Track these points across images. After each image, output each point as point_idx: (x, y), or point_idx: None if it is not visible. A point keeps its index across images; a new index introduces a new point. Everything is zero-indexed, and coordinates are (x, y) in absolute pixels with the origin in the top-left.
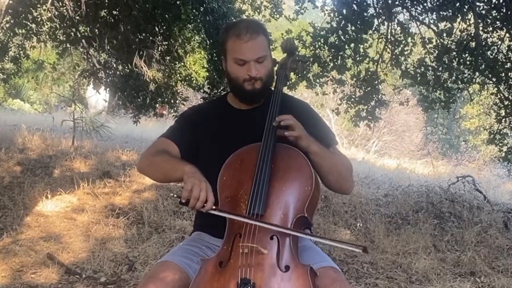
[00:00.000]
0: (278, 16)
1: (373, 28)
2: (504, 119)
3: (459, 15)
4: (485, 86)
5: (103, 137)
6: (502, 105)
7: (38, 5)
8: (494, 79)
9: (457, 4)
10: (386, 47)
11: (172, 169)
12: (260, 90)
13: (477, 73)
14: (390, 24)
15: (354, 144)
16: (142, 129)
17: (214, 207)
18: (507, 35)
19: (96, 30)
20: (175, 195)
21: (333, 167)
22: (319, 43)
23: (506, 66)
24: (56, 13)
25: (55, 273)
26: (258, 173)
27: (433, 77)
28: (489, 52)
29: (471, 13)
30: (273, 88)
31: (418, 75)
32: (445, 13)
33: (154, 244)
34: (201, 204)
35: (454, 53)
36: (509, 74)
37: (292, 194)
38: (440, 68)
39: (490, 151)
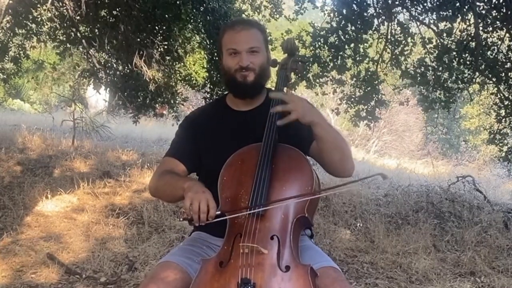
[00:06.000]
0: (278, 16)
1: (373, 28)
2: (504, 119)
3: (459, 15)
4: (485, 86)
5: (103, 137)
6: (502, 105)
7: (38, 5)
8: (494, 79)
9: (457, 4)
10: (386, 47)
11: (174, 190)
12: (252, 83)
13: (477, 73)
14: (390, 24)
15: (354, 144)
16: (142, 129)
17: (218, 212)
18: (507, 35)
19: (96, 30)
20: (181, 219)
21: (338, 143)
22: (319, 43)
23: (506, 66)
24: (56, 13)
25: (55, 273)
26: (259, 173)
27: (433, 77)
28: (489, 52)
29: (471, 13)
30: (273, 89)
31: (418, 75)
32: (445, 13)
33: (154, 244)
34: (204, 216)
35: (454, 53)
36: (509, 74)
37: (293, 194)
38: (440, 68)
39: (490, 151)
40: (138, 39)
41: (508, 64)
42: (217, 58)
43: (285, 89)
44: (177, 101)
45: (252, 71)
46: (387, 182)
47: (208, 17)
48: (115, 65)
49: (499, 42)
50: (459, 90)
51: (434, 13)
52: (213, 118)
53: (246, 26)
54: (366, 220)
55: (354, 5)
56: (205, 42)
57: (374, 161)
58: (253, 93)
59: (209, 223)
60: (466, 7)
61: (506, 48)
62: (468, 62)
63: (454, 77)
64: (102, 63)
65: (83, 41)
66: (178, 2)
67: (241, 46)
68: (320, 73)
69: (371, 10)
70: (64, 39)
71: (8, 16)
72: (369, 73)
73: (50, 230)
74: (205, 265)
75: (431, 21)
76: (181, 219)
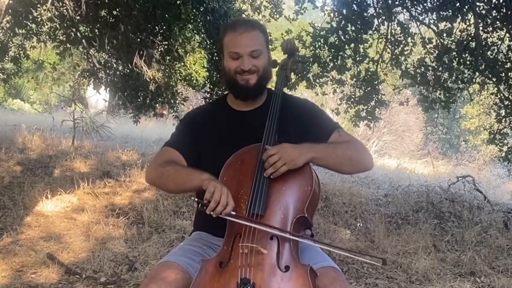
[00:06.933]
0: (278, 16)
1: (373, 28)
2: (504, 119)
3: (459, 15)
4: (485, 86)
5: (103, 137)
6: (502, 105)
7: (38, 5)
8: (494, 79)
9: (457, 4)
10: (386, 47)
11: (187, 178)
12: (254, 86)
13: (477, 73)
14: (390, 24)
15: None
16: (142, 129)
17: (234, 212)
18: (507, 35)
19: (96, 30)
20: (196, 199)
21: (341, 158)
22: (319, 43)
23: (506, 66)
24: (56, 13)
25: (55, 273)
26: (258, 173)
27: (433, 77)
28: (489, 52)
29: (471, 13)
30: (273, 89)
31: (418, 75)
32: (445, 13)
33: (154, 244)
34: (221, 208)
35: (454, 53)
36: (509, 74)
37: (292, 194)
38: (440, 68)
39: (490, 151)
40: (138, 39)
41: (508, 64)
42: (217, 58)
43: (284, 89)
44: (177, 101)
45: (254, 73)
46: (387, 182)
47: (208, 17)
48: (115, 65)
49: (499, 42)
50: (459, 90)
51: (434, 13)
52: (214, 117)
53: (248, 28)
54: (366, 220)
55: (354, 5)
56: (205, 42)
57: (375, 161)
58: (255, 96)
59: (219, 217)
60: (466, 7)
61: (506, 48)
62: (468, 62)
63: (454, 77)
64: (102, 63)
65: (83, 41)
66: (178, 2)
67: (243, 49)
68: (320, 73)
69: (371, 10)
70: (64, 39)
71: (8, 16)
72: (369, 73)
73: (50, 230)
74: (205, 265)
75: (431, 21)
76: (196, 200)
